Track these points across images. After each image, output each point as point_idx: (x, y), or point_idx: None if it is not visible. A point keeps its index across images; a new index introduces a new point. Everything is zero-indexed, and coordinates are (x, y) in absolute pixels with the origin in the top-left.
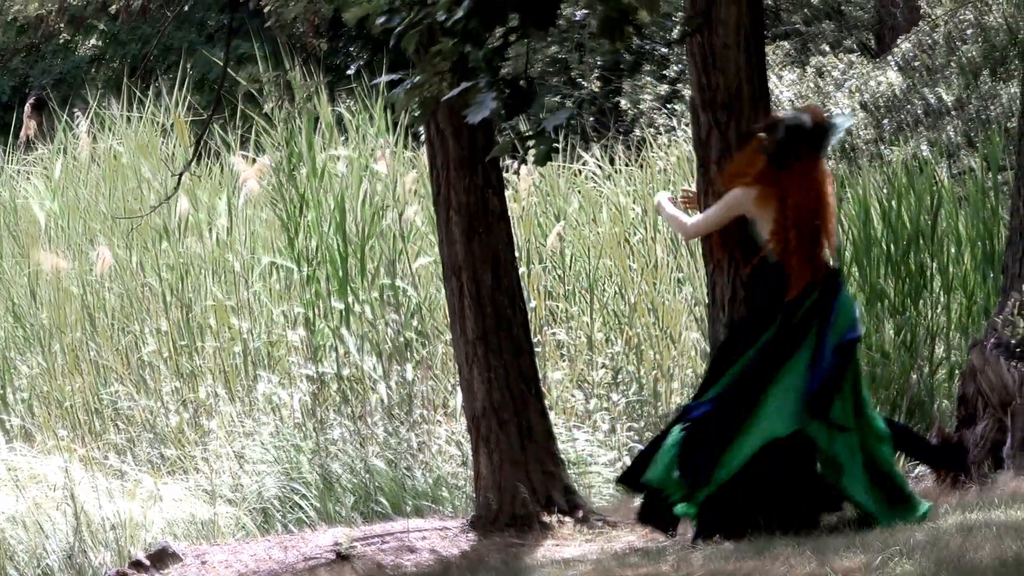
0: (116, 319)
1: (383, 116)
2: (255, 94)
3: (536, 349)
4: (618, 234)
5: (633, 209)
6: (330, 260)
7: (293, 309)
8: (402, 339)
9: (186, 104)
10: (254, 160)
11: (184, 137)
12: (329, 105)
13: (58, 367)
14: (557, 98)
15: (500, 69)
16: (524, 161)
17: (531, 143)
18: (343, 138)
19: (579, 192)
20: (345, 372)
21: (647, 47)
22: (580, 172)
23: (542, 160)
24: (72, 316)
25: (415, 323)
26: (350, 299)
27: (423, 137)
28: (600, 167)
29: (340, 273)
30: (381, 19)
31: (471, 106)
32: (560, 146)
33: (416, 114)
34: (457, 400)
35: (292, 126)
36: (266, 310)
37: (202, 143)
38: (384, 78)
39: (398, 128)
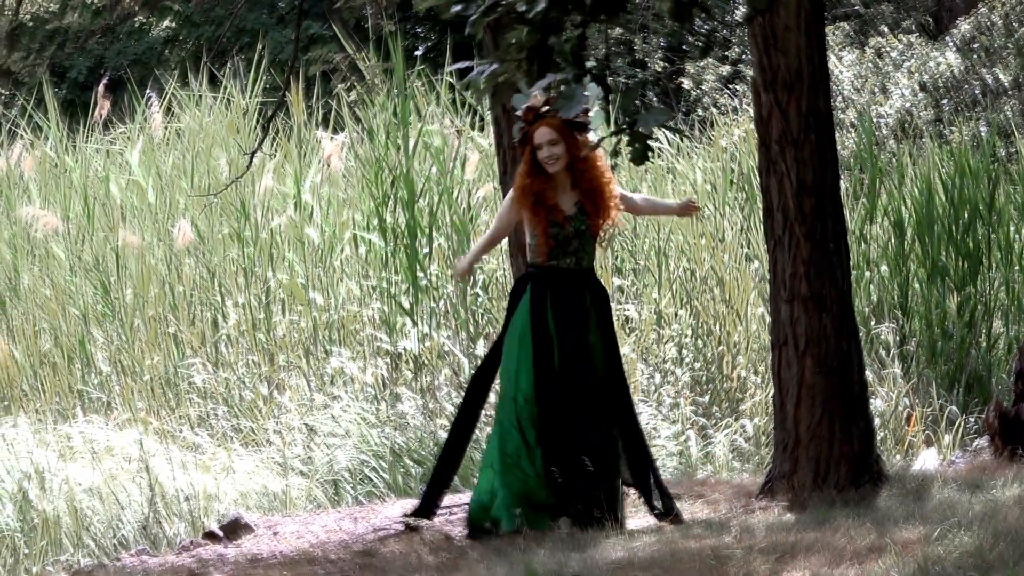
0: (196, 293)
1: (448, 96)
2: (329, 75)
3: None
4: None
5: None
6: (408, 234)
7: (369, 283)
8: (472, 314)
9: (261, 84)
10: (331, 138)
11: (300, 109)
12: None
13: (138, 341)
14: (621, 79)
15: (584, 60)
16: (617, 153)
17: (627, 140)
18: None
19: (648, 169)
20: (417, 347)
21: (715, 32)
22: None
23: (638, 159)
24: (154, 290)
25: (483, 299)
26: (420, 274)
27: (488, 118)
28: (674, 142)
29: (410, 249)
30: (457, 7)
31: (560, 99)
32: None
33: (492, 98)
34: None
35: (390, 101)
36: (344, 285)
37: (277, 121)
38: (458, 64)
39: (465, 108)
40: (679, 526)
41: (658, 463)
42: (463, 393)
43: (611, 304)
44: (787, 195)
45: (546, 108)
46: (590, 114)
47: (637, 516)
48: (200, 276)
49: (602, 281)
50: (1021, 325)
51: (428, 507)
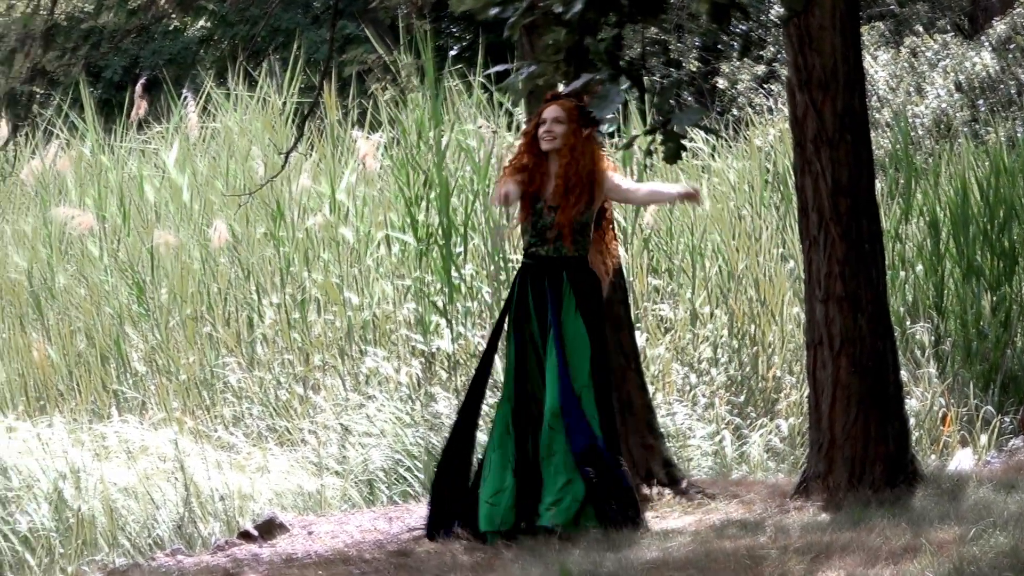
0: (231, 292)
1: (484, 94)
2: (364, 75)
3: (637, 324)
4: (734, 209)
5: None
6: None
7: (404, 283)
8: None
9: (297, 84)
10: (367, 137)
11: (333, 108)
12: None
13: (173, 341)
14: (656, 78)
15: (620, 60)
16: (651, 153)
17: (660, 139)
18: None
19: (683, 168)
20: (451, 346)
21: (751, 32)
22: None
23: (672, 158)
24: (191, 290)
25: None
26: (454, 274)
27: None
28: (709, 142)
29: (445, 248)
30: (495, 10)
31: (595, 99)
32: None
33: (527, 103)
34: None
35: (420, 101)
36: (377, 285)
37: (313, 122)
38: (496, 68)
39: (502, 109)
40: (714, 526)
41: (693, 462)
42: (470, 393)
43: (600, 294)
44: (822, 195)
45: (565, 91)
46: None
47: (673, 515)
48: (236, 275)
49: (632, 282)
50: None
51: (447, 517)
